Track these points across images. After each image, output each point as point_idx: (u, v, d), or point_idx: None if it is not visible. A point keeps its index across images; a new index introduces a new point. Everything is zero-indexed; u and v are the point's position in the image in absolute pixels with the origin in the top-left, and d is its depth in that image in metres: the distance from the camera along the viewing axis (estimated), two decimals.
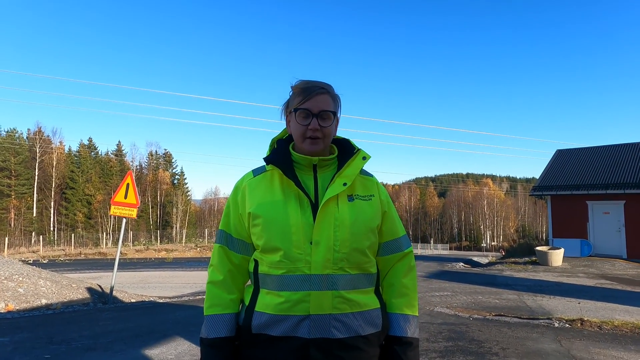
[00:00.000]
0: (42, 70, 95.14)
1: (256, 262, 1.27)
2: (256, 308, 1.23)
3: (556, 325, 5.60)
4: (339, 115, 1.34)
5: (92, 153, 58.30)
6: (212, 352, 1.24)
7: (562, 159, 20.73)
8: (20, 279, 7.93)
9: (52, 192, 50.93)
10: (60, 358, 4.15)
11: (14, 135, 52.60)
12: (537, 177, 20.86)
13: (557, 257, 14.47)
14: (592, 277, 11.53)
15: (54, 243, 40.86)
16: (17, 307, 6.92)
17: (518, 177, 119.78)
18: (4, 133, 52.88)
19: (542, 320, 5.87)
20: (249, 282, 1.34)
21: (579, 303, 7.40)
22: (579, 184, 17.75)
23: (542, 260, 14.69)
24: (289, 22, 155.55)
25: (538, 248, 15.67)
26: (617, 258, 15.91)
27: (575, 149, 21.62)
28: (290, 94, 1.34)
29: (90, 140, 59.11)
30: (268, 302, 1.21)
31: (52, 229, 48.80)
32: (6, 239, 36.08)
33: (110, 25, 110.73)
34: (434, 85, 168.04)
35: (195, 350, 4.40)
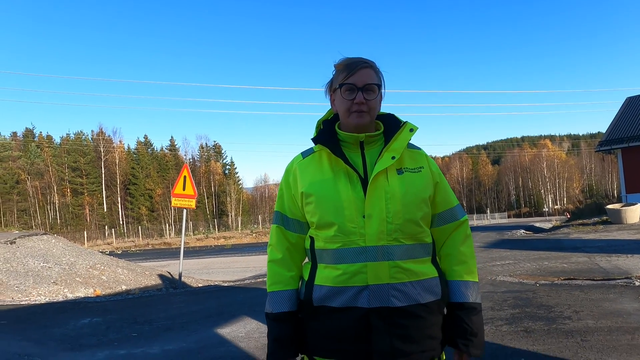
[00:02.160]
0: (100, 74, 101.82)
1: (312, 238, 1.32)
2: (316, 282, 1.28)
3: (637, 284, 5.21)
4: (383, 90, 1.34)
5: (149, 149, 62.04)
6: (277, 325, 1.32)
7: (634, 106, 18.87)
8: (102, 267, 8.77)
9: (118, 189, 55.22)
10: (145, 336, 4.59)
11: (81, 138, 57.38)
12: (602, 131, 19.19)
13: (632, 213, 13.36)
14: None
15: (124, 235, 44.55)
16: (103, 292, 7.69)
17: (581, 134, 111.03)
18: (73, 136, 57.83)
19: (619, 281, 5.48)
20: (307, 259, 1.39)
21: None
22: None
23: (615, 219, 13.64)
24: (330, 7, 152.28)
25: (609, 206, 14.56)
26: None
27: None
28: (334, 72, 1.36)
29: (146, 137, 62.90)
30: (327, 275, 1.25)
31: (121, 222, 53.08)
32: (85, 232, 39.85)
33: (157, 26, 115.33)
34: (480, 49, 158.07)
35: (263, 328, 4.63)
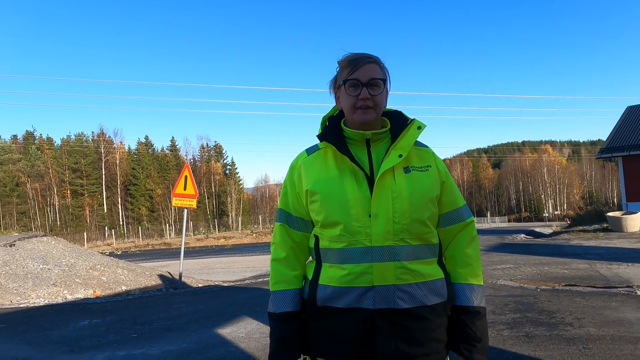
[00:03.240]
0: (100, 75, 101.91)
1: (316, 237, 1.29)
2: (320, 281, 1.25)
3: (639, 293, 5.20)
4: (388, 85, 1.32)
5: (149, 150, 62.08)
6: (280, 326, 1.29)
7: (634, 115, 18.89)
8: (102, 268, 8.76)
9: (118, 189, 55.23)
10: (145, 337, 4.57)
11: (82, 139, 57.45)
12: (604, 138, 19.20)
13: (633, 222, 13.34)
14: None
15: (125, 236, 44.54)
16: (103, 293, 7.67)
17: (581, 141, 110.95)
18: (74, 137, 57.92)
19: (620, 289, 5.48)
20: (310, 258, 1.36)
21: None
22: None
23: (615, 227, 13.63)
24: (332, 7, 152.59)
25: (610, 214, 14.54)
26: None
27: None
28: (337, 69, 1.33)
29: (146, 138, 62.91)
30: (331, 275, 1.23)
31: (121, 223, 53.07)
32: (84, 233, 39.83)
33: (157, 26, 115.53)
34: (482, 53, 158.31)
35: (264, 328, 4.62)
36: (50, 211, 51.94)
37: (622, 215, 13.81)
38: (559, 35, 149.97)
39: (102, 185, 54.99)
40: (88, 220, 51.96)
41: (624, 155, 16.79)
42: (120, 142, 59.75)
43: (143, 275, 8.98)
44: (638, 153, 16.34)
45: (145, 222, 51.89)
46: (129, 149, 61.31)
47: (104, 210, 54.35)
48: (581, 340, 3.54)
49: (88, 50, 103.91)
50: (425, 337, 1.20)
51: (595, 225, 16.23)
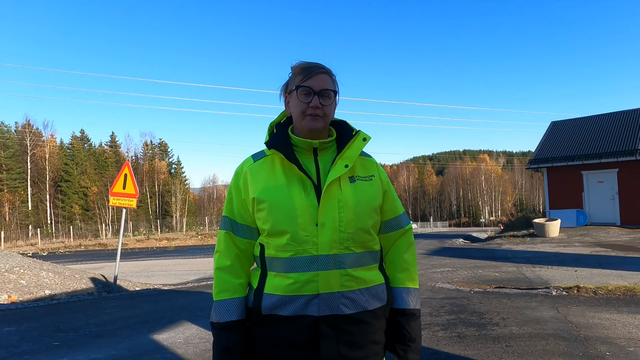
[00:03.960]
0: (28, 62, 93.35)
1: (262, 246, 1.29)
2: (265, 290, 1.25)
3: (554, 293, 5.72)
4: (338, 98, 1.35)
5: (86, 145, 57.92)
6: (224, 335, 1.27)
7: (557, 130, 20.76)
8: (22, 271, 7.99)
9: (47, 186, 50.73)
10: (69, 345, 4.24)
11: (2, 129, 51.92)
12: (533, 150, 20.93)
13: (554, 228, 14.66)
14: (588, 245, 11.71)
15: (52, 236, 40.98)
16: (21, 299, 7.00)
17: (514, 152, 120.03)
18: None
19: (540, 290, 5.99)
20: (255, 265, 1.36)
21: (576, 271, 7.54)
22: (573, 155, 17.85)
23: (540, 232, 14.88)
24: (283, 4, 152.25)
25: (535, 220, 15.86)
26: (612, 225, 16.16)
27: (569, 119, 21.62)
28: (290, 74, 1.35)
29: (82, 132, 58.66)
30: (277, 284, 1.23)
31: (49, 222, 48.83)
32: (1, 232, 36.04)
33: (99, 13, 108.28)
34: (429, 64, 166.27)
35: (204, 333, 4.49)
36: None
37: (546, 221, 15.11)
38: (496, 50, 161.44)
39: (27, 180, 50.22)
40: (7, 218, 46.92)
41: (548, 166, 18.41)
42: (51, 135, 54.97)
43: (72, 278, 8.32)
44: (560, 165, 18.01)
45: (77, 222, 48.22)
46: (62, 143, 56.74)
47: (28, 207, 49.58)
48: (505, 338, 3.83)
49: (18, 32, 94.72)
50: (366, 340, 1.25)
51: (524, 231, 17.63)
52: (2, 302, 6.71)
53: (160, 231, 42.79)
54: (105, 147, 59.37)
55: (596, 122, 19.71)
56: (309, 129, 1.28)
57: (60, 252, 28.27)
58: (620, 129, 18.04)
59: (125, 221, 8.98)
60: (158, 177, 58.07)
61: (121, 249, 8.45)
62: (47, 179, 50.87)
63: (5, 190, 48.32)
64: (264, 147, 1.35)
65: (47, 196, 50.69)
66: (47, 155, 51.23)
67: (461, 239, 19.39)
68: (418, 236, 23.06)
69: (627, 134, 17.40)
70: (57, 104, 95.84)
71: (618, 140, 17.26)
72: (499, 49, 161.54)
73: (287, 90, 1.36)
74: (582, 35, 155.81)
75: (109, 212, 49.93)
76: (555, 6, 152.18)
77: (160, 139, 64.45)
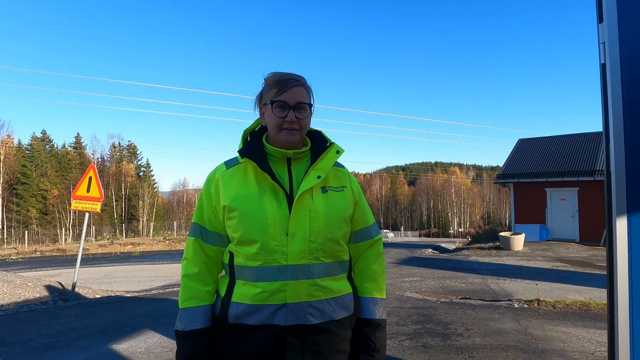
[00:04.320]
0: None
1: (231, 254, 1.28)
2: (233, 299, 1.24)
3: (516, 305, 5.91)
4: (313, 107, 1.36)
5: (47, 146, 55.29)
6: (188, 344, 1.25)
7: (524, 147, 21.63)
8: None
9: (0, 188, 47.93)
10: (14, 359, 3.96)
11: None
12: (501, 165, 21.69)
13: (518, 242, 15.19)
14: (549, 260, 12.20)
15: (4, 241, 38.61)
16: None
17: (484, 166, 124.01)
18: None
19: (503, 302, 6.17)
20: (223, 272, 1.34)
21: (537, 285, 7.83)
22: (538, 172, 18.63)
23: (505, 245, 15.38)
24: (258, 9, 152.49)
25: (501, 234, 16.39)
26: (571, 242, 16.91)
27: (536, 138, 22.59)
28: (264, 85, 1.34)
29: (44, 132, 55.90)
30: (245, 292, 1.23)
31: (1, 226, 46.06)
32: None
33: (66, 9, 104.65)
34: (405, 75, 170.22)
35: (167, 342, 4.34)
36: None
37: (511, 235, 15.65)
38: (470, 63, 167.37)
39: None
40: None
41: (515, 182, 19.13)
42: (8, 135, 52.15)
43: (23, 287, 7.81)
44: (525, 181, 18.75)
45: (34, 226, 45.74)
46: (19, 143, 53.96)
47: None
48: (468, 349, 3.91)
49: None
50: (332, 349, 1.25)
51: (490, 244, 18.15)
52: None
53: (126, 235, 41.33)
54: (69, 148, 56.94)
55: (560, 141, 20.69)
56: (285, 142, 1.28)
57: (11, 258, 26.59)
58: (581, 149, 18.99)
59: (88, 225, 8.62)
60: (125, 179, 56.20)
61: (82, 255, 8.08)
62: (1, 182, 48.00)
63: None
64: (237, 154, 1.34)
65: (0, 199, 47.87)
66: (1, 157, 48.44)
67: (430, 249, 19.76)
68: (389, 245, 23.35)
69: (588, 154, 18.33)
70: (17, 103, 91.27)
71: (579, 160, 18.15)
72: (474, 65, 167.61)
73: (261, 101, 1.35)
74: (553, 53, 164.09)
75: (70, 216, 47.73)
76: (530, 22, 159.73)
77: (129, 141, 62.47)
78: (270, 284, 1.20)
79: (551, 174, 18.12)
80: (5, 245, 36.27)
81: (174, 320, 1.31)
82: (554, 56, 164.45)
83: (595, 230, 16.36)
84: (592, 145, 18.92)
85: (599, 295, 6.59)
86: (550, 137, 21.82)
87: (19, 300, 7.24)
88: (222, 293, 1.28)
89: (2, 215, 47.62)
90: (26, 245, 35.40)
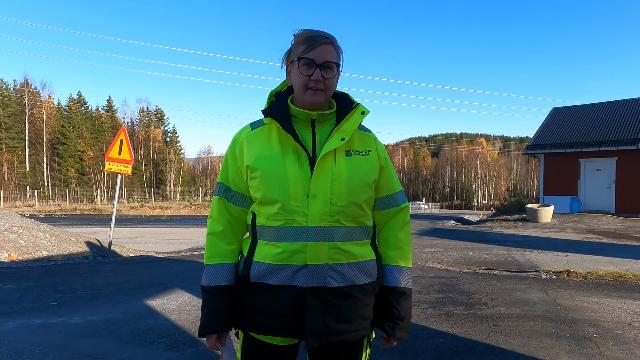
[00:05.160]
0: (28, 18, 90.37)
1: (254, 214, 1.30)
2: (254, 258, 1.26)
3: (543, 277, 5.82)
4: (341, 68, 1.31)
5: (82, 108, 57.08)
6: (212, 299, 1.29)
7: (558, 117, 20.69)
8: (20, 230, 8.02)
9: (44, 147, 50.24)
10: (66, 305, 4.30)
11: (1, 87, 50.89)
12: (531, 136, 20.92)
13: (546, 213, 14.82)
14: (580, 232, 11.89)
15: (49, 198, 40.96)
16: (20, 258, 7.06)
17: (512, 137, 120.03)
18: None
19: (529, 273, 6.09)
20: (247, 234, 1.36)
21: (566, 256, 7.67)
22: (572, 142, 17.87)
23: (532, 217, 15.05)
24: None
25: (528, 205, 16.00)
26: (606, 213, 16.39)
27: (571, 106, 21.52)
28: (292, 42, 1.30)
29: (79, 94, 57.70)
30: (266, 252, 1.24)
31: (45, 184, 48.65)
32: (1, 192, 35.97)
33: None
34: (429, 44, 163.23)
35: (196, 301, 4.54)
36: None
37: (539, 207, 15.26)
38: (500, 36, 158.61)
39: (25, 140, 49.62)
40: (6, 178, 46.72)
41: (546, 152, 18.45)
42: (49, 96, 54.02)
43: (68, 241, 8.36)
44: (557, 151, 18.05)
45: (73, 185, 48.08)
46: (59, 104, 55.76)
47: (25, 168, 49.23)
48: (493, 318, 3.91)
49: None
50: (353, 314, 1.25)
51: (516, 215, 17.82)
52: (3, 260, 6.76)
53: (154, 199, 42.82)
54: (102, 111, 58.55)
55: (597, 110, 19.66)
56: (310, 103, 1.26)
57: (56, 214, 28.31)
58: (621, 117, 18.02)
59: (120, 187, 8.95)
60: (153, 145, 57.62)
61: (115, 215, 8.44)
62: (45, 141, 50.30)
63: (4, 150, 47.86)
64: (261, 114, 1.32)
65: (45, 158, 50.29)
66: (44, 117, 50.43)
67: (453, 221, 19.60)
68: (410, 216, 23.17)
69: (628, 123, 17.40)
70: (55, 64, 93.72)
71: (618, 129, 17.27)
72: (503, 30, 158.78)
73: (288, 59, 1.32)
74: (588, 15, 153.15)
75: (104, 177, 49.77)
76: None
77: (156, 106, 63.73)
78: (290, 244, 1.20)
79: (587, 143, 17.36)
80: (50, 202, 38.52)
81: (200, 281, 1.35)
82: (591, 15, 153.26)
83: (634, 201, 15.77)
84: (633, 113, 17.92)
85: (636, 267, 6.40)
86: (586, 105, 20.75)
87: (65, 252, 7.81)
88: (245, 253, 1.31)
89: (47, 173, 50.21)
90: (68, 203, 37.43)
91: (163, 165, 56.80)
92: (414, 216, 24.92)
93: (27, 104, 49.36)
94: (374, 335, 1.39)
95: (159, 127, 61.16)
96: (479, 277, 5.82)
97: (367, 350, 1.37)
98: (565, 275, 5.80)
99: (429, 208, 58.24)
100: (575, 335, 3.43)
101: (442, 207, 64.59)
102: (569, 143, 17.93)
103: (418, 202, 57.04)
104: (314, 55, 1.23)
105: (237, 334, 1.38)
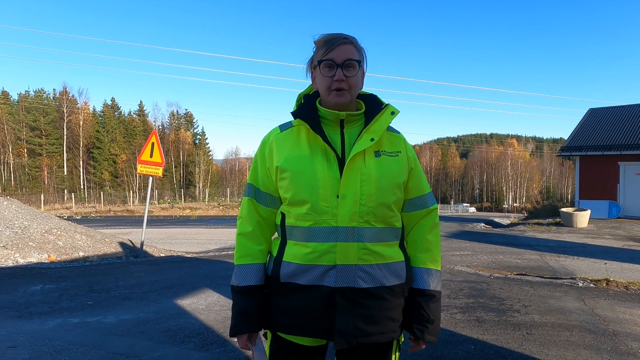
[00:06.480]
0: (66, 30, 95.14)
1: (283, 214, 1.31)
2: (284, 258, 1.27)
3: (580, 284, 5.57)
4: (364, 67, 1.31)
5: (116, 113, 59.39)
6: (242, 299, 1.30)
7: (595, 118, 19.81)
8: (59, 232, 8.41)
9: (80, 152, 52.68)
10: (101, 304, 4.47)
11: (42, 96, 53.92)
12: (565, 137, 20.11)
13: (582, 218, 14.18)
14: (620, 238, 11.30)
15: (85, 200, 42.86)
16: (58, 258, 7.40)
17: (545, 138, 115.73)
18: (33, 93, 54.35)
19: (565, 280, 5.84)
20: (276, 234, 1.37)
21: (605, 264, 7.30)
22: (611, 145, 17.04)
23: (567, 222, 14.44)
24: None
25: (563, 209, 15.37)
26: None
27: (609, 107, 20.57)
28: (314, 49, 1.32)
29: (113, 100, 60.01)
30: (295, 252, 1.25)
31: (82, 187, 50.93)
32: (42, 195, 37.92)
33: None
34: (458, 43, 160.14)
35: (224, 301, 4.62)
36: (3, 170, 49.03)
37: (574, 211, 14.63)
38: (531, 36, 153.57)
39: (63, 146, 52.19)
40: (46, 182, 49.34)
41: (582, 155, 17.67)
42: (85, 103, 56.62)
43: (102, 242, 8.71)
44: (594, 154, 17.25)
45: (107, 188, 50.06)
46: (94, 110, 58.35)
47: (64, 172, 51.77)
48: (526, 326, 3.77)
49: (55, 4, 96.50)
50: (382, 316, 1.25)
51: (549, 219, 17.14)
52: (43, 261, 7.12)
53: (184, 200, 43.93)
54: (134, 115, 60.68)
55: (638, 111, 18.67)
56: (335, 104, 1.26)
57: (92, 216, 29.55)
58: None
59: (152, 189, 9.24)
60: (183, 147, 59.15)
61: (147, 216, 8.72)
62: (81, 145, 52.76)
63: (44, 155, 50.63)
64: (292, 118, 1.34)
65: (81, 162, 52.72)
66: (81, 122, 52.92)
67: (482, 224, 19.08)
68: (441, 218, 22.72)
69: None
70: (91, 72, 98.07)
71: None
72: (535, 28, 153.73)
73: (312, 65, 1.34)
74: (627, 12, 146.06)
75: (136, 179, 51.54)
76: None
77: (186, 110, 65.48)
78: (320, 244, 1.21)
79: (627, 146, 16.50)
80: (86, 204, 40.40)
81: (229, 281, 1.37)
82: (631, 11, 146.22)
83: None
84: None
85: None
86: (626, 105, 19.76)
87: (100, 253, 8.14)
88: (275, 253, 1.31)
89: (83, 176, 52.65)
90: (102, 204, 39.06)
91: (192, 167, 58.22)
92: (442, 218, 24.37)
93: (65, 111, 51.90)
94: (403, 339, 1.37)
95: (189, 130, 62.75)
96: (511, 283, 5.64)
97: (397, 354, 1.36)
98: (604, 284, 5.52)
99: (458, 211, 56.92)
100: (617, 350, 3.25)
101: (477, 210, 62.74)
102: (607, 145, 17.11)
103: (465, 204, 55.25)
104: (333, 55, 1.24)
105: (265, 335, 1.39)
